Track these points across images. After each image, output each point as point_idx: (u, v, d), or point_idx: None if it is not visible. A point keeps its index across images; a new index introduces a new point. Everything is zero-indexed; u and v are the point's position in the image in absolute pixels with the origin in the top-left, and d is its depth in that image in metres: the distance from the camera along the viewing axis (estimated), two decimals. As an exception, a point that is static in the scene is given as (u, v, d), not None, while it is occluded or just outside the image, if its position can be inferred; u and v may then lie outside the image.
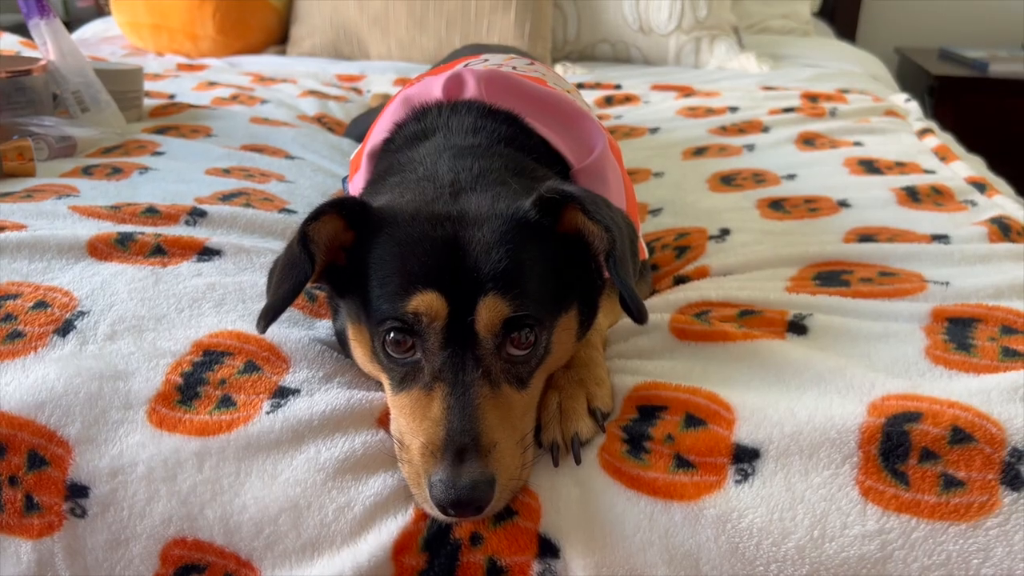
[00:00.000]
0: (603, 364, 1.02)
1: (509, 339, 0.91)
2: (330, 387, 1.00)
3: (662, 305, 1.15)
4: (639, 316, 0.93)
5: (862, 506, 0.83)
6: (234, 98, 2.33)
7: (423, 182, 1.03)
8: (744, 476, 0.87)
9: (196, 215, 1.33)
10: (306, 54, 3.02)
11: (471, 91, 1.19)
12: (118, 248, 1.20)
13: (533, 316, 0.91)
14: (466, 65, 1.34)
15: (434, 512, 0.87)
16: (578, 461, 0.92)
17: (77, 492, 0.94)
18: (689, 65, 2.96)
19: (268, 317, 0.94)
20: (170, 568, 0.93)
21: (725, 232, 1.40)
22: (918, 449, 0.85)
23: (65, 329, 1.05)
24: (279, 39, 3.13)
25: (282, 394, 0.98)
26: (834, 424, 0.87)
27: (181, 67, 2.76)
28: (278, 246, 1.26)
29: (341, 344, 1.06)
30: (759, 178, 1.65)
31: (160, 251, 1.20)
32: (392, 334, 0.92)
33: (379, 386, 1.01)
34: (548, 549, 0.87)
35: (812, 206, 1.48)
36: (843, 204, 1.48)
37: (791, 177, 1.65)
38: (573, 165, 1.17)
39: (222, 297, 1.11)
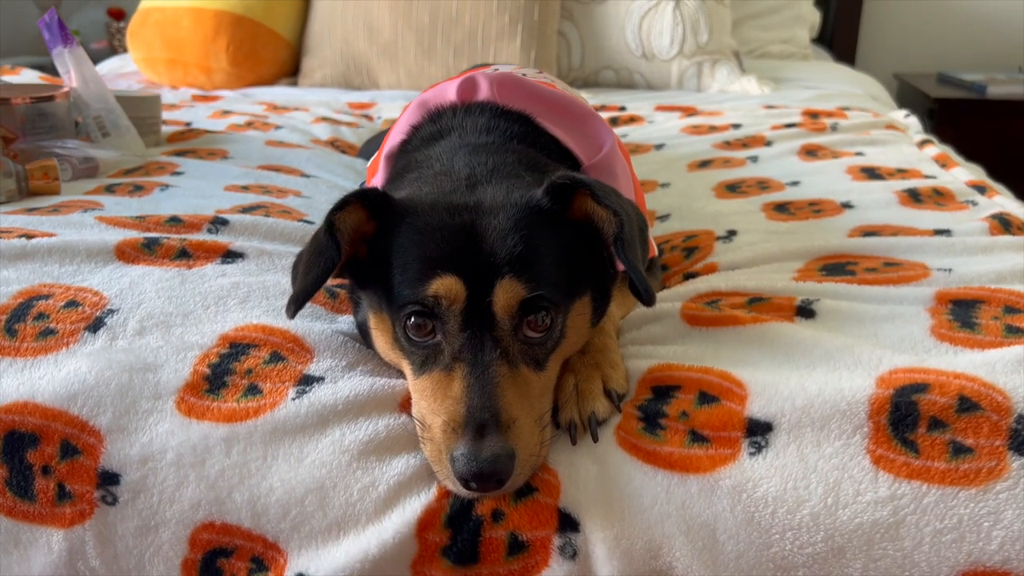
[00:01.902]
0: (617, 350, 1.05)
1: (525, 321, 0.95)
2: (353, 375, 1.03)
3: (673, 296, 1.19)
4: (647, 298, 0.96)
5: (874, 474, 0.85)
6: (249, 124, 2.39)
7: (440, 176, 1.07)
8: (758, 448, 0.89)
9: (218, 223, 1.37)
10: (317, 85, 3.10)
11: (484, 93, 1.24)
12: (145, 252, 1.24)
13: (548, 298, 0.94)
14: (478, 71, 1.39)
15: (456, 488, 0.89)
16: (595, 439, 0.94)
17: (108, 480, 0.97)
18: (691, 89, 3.02)
19: (298, 302, 0.97)
20: (198, 553, 0.95)
21: (732, 233, 1.43)
22: (926, 418, 0.87)
23: (96, 326, 1.09)
24: (291, 71, 3.21)
25: (307, 382, 1.01)
26: (844, 396, 0.89)
27: (196, 98, 2.83)
28: (299, 251, 1.30)
29: (363, 336, 1.09)
30: (763, 185, 1.70)
31: (185, 254, 1.24)
32: (413, 318, 0.95)
33: (401, 375, 1.04)
34: (568, 523, 0.89)
35: (816, 208, 1.52)
36: (846, 206, 1.51)
37: (795, 184, 1.69)
38: (583, 162, 1.21)
39: (246, 295, 1.15)
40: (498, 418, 0.88)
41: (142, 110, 2.12)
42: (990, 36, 4.24)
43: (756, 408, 0.92)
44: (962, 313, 1.04)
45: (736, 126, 2.25)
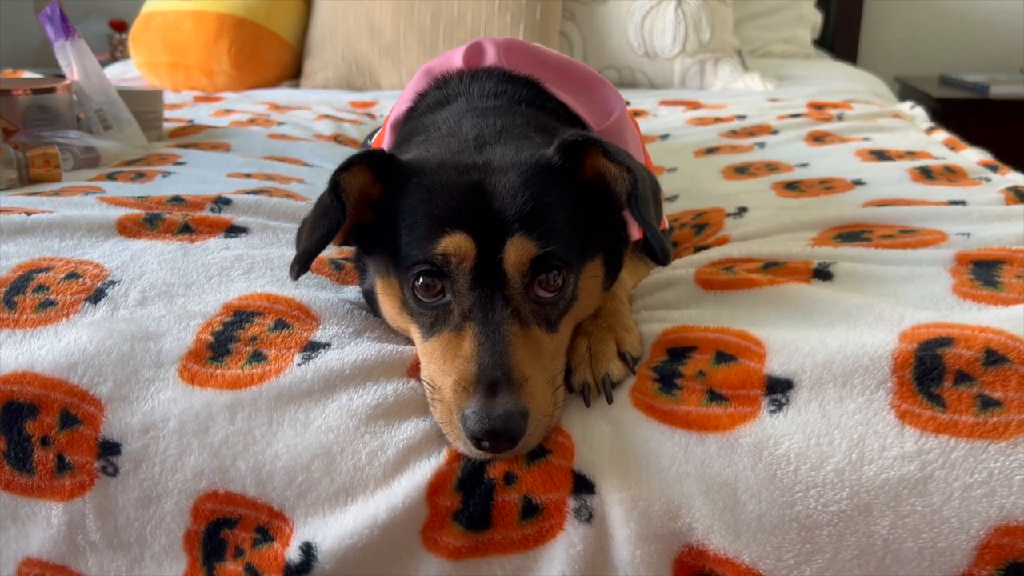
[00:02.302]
0: (630, 314, 1.03)
1: (537, 281, 0.92)
2: (360, 341, 1.00)
3: (685, 263, 1.16)
4: (663, 256, 0.94)
5: (899, 429, 0.82)
6: (251, 121, 2.38)
7: (448, 138, 1.05)
8: (778, 406, 0.87)
9: (221, 203, 1.35)
10: (319, 87, 3.09)
11: (491, 59, 1.22)
12: (147, 226, 1.22)
13: (559, 257, 0.92)
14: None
15: (468, 448, 0.87)
16: (610, 400, 0.92)
17: (109, 449, 0.94)
18: (694, 87, 3.01)
19: (302, 261, 0.95)
20: (202, 523, 0.93)
21: (742, 210, 1.41)
22: (952, 372, 0.84)
23: (96, 297, 1.06)
24: (293, 73, 3.20)
25: (313, 348, 0.98)
26: (866, 352, 0.87)
27: (198, 99, 2.82)
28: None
29: (369, 303, 1.07)
30: (772, 167, 1.68)
31: (188, 229, 1.22)
32: (422, 278, 0.93)
33: (409, 343, 1.02)
34: (583, 485, 0.87)
35: (827, 185, 1.49)
36: (857, 183, 1.49)
37: (804, 165, 1.67)
38: (592, 127, 1.19)
39: (250, 266, 1.13)
40: (510, 376, 0.86)
41: (144, 104, 2.11)
42: (991, 39, 4.23)
43: (776, 366, 0.89)
44: (983, 273, 1.02)
45: (741, 117, 2.24)
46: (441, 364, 0.91)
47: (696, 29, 2.97)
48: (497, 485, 0.87)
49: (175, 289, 1.08)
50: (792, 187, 1.51)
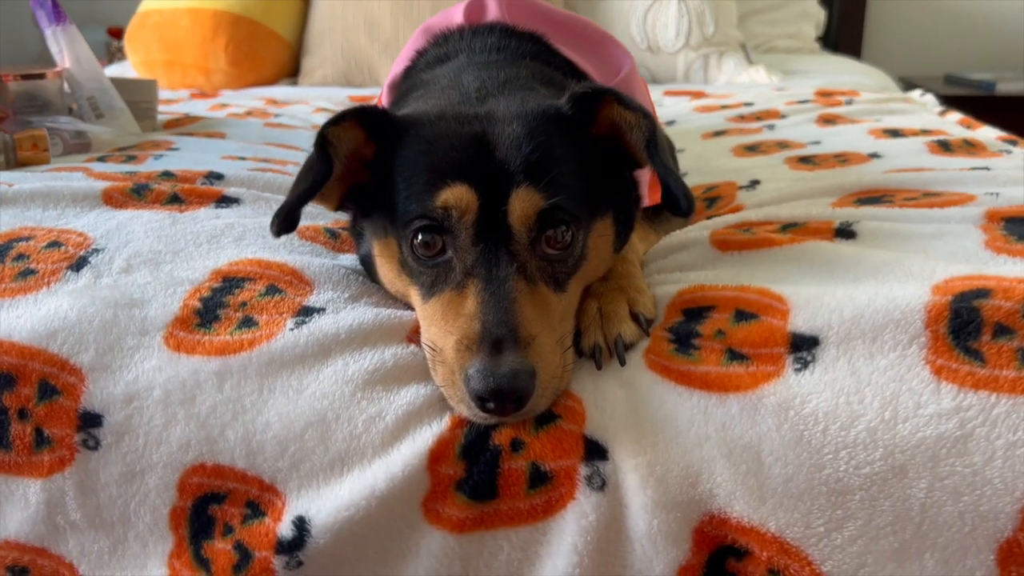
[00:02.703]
0: (642, 276, 0.97)
1: (544, 237, 0.87)
2: (357, 306, 0.95)
3: (700, 227, 1.11)
4: (687, 202, 0.88)
5: (935, 385, 0.77)
6: (248, 113, 2.33)
7: (448, 91, 1.00)
8: (804, 364, 0.81)
9: (213, 177, 1.30)
10: (318, 84, 3.05)
11: (493, 14, 1.17)
12: (134, 197, 1.16)
13: (567, 210, 0.87)
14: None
15: (472, 412, 0.81)
16: (623, 362, 0.86)
17: (90, 421, 0.89)
18: (699, 81, 2.97)
19: (283, 214, 0.89)
20: (188, 499, 0.87)
21: (755, 182, 1.36)
22: (991, 325, 0.79)
23: (79, 265, 1.01)
24: (291, 71, 3.16)
25: (306, 313, 0.93)
26: (897, 305, 0.81)
27: (195, 95, 2.78)
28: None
29: (367, 269, 1.02)
30: (783, 145, 1.62)
31: (177, 199, 1.17)
32: (421, 235, 0.88)
33: (409, 309, 0.96)
34: (595, 451, 0.81)
35: (842, 159, 1.44)
36: (874, 155, 1.44)
37: (816, 143, 1.61)
38: None
39: (241, 233, 1.08)
40: (516, 334, 0.80)
41: (137, 94, 2.06)
42: (993, 38, 4.20)
43: (800, 322, 0.83)
44: (1017, 228, 0.96)
45: (748, 104, 2.19)
46: (443, 325, 0.85)
47: (699, 23, 2.93)
48: (503, 452, 0.81)
49: (162, 256, 1.02)
50: (806, 160, 1.46)
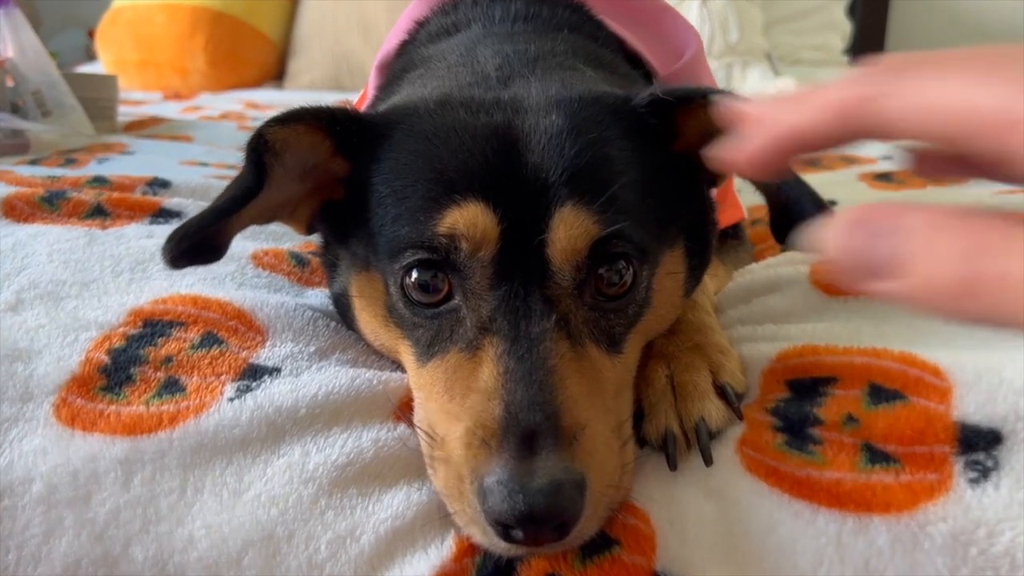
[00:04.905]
0: (720, 330, 0.71)
1: (596, 277, 0.61)
2: (325, 365, 0.68)
3: (789, 261, 0.84)
4: (816, 206, 0.62)
5: None
6: (223, 116, 2.07)
7: (456, 69, 0.74)
8: (982, 472, 0.54)
9: (157, 185, 1.04)
10: (305, 88, 2.79)
11: None
12: (44, 207, 0.90)
13: (631, 239, 0.61)
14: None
15: (488, 539, 0.54)
16: (708, 461, 0.59)
17: (-59, 527, 0.61)
18: (721, 93, 2.72)
19: (177, 238, 0.63)
20: (75, 646, 0.60)
21: (832, 203, 1.10)
22: None
23: (-52, 299, 0.74)
24: (275, 74, 2.91)
25: (254, 374, 0.66)
26: (1118, 387, 0.55)
27: (167, 96, 2.52)
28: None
29: (341, 311, 0.75)
30: (849, 160, 1.37)
31: (100, 212, 0.90)
32: (417, 272, 0.61)
33: (397, 367, 0.70)
34: (671, 599, 0.54)
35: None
36: (970, 174, 1.19)
37: (888, 158, 1.36)
38: (657, 71, 0.87)
39: (177, 259, 0.81)
40: (557, 422, 0.54)
41: (93, 90, 1.81)
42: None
43: (970, 407, 0.57)
44: None
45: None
46: (446, 402, 0.59)
47: (723, 29, 2.69)
48: (534, 597, 0.54)
49: (65, 289, 0.76)
50: (884, 178, 1.20)
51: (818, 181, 1.18)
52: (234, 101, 2.43)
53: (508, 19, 0.85)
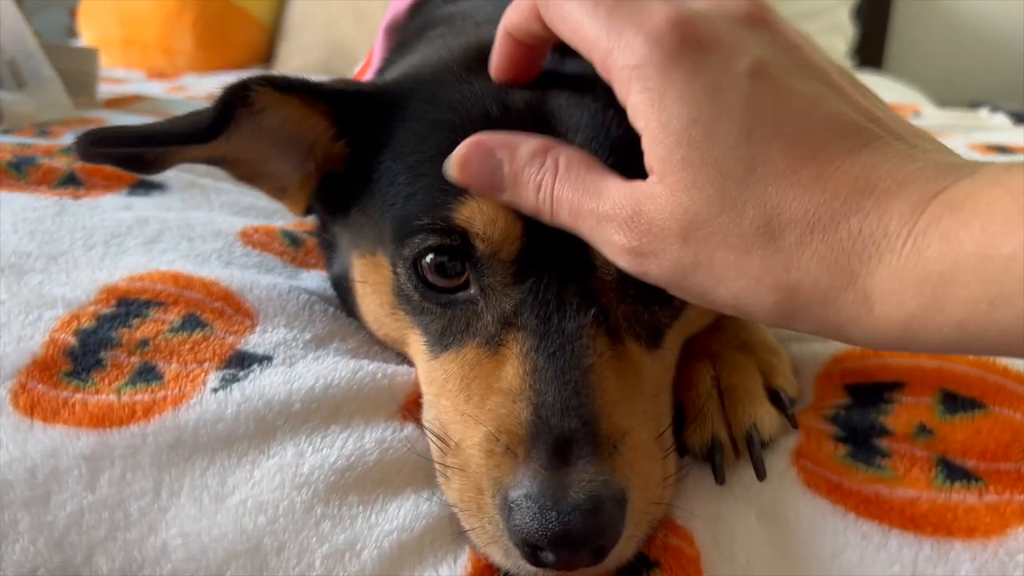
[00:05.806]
0: (767, 328, 0.64)
1: None
2: (322, 354, 0.60)
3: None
4: None
5: None
6: (209, 98, 1.98)
7: (485, 26, 0.66)
8: (1077, 495, 0.48)
9: (137, 157, 0.95)
10: (295, 72, 2.70)
11: None
12: (11, 174, 0.81)
13: None
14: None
15: (511, 560, 0.47)
16: (762, 474, 0.52)
17: None
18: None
19: (95, 139, 0.56)
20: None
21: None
22: None
23: None
24: (264, 57, 2.82)
25: (241, 363, 0.58)
26: None
27: (152, 76, 2.43)
28: (253, 195, 0.88)
29: (341, 295, 0.67)
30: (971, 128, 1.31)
31: (74, 180, 0.82)
32: (432, 256, 0.54)
33: (403, 360, 0.62)
34: (721, 631, 0.47)
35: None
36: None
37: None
38: None
39: (157, 233, 0.73)
40: (595, 429, 0.46)
41: (72, 62, 1.71)
42: (1018, 69, 3.99)
43: (1060, 420, 0.51)
44: None
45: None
46: (462, 402, 0.51)
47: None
48: (563, 626, 0.47)
49: (30, 262, 0.67)
50: (1000, 150, 1.15)
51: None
52: (221, 83, 2.34)
53: None
